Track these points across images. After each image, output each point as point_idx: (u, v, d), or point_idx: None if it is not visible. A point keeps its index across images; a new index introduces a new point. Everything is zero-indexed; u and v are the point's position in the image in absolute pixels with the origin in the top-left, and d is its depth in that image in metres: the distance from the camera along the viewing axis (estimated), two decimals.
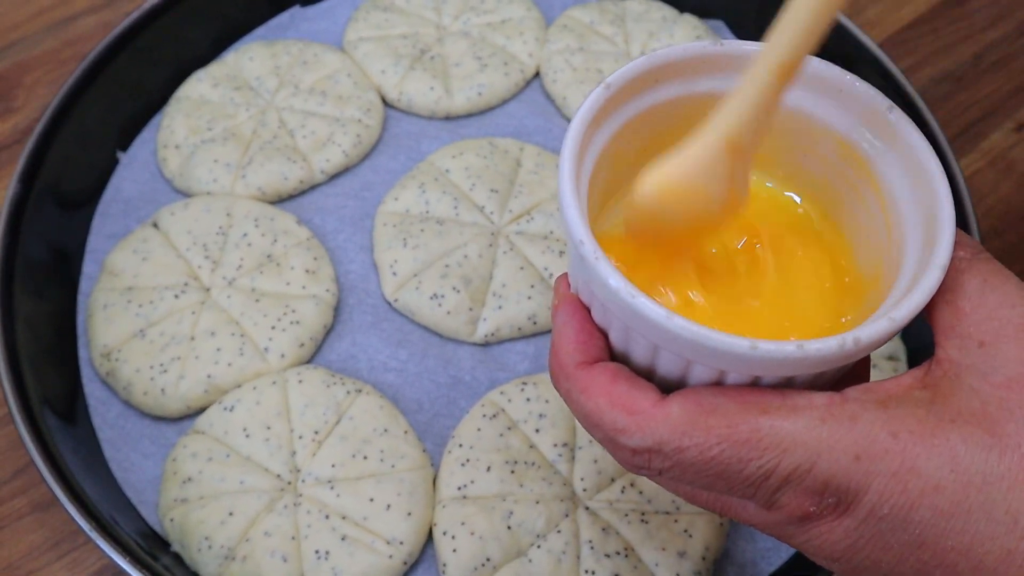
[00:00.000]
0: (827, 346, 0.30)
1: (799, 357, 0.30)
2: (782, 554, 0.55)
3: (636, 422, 0.32)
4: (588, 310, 0.37)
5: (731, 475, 0.31)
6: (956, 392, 0.31)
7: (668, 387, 0.34)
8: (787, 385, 0.33)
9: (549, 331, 0.62)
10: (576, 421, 0.56)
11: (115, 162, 0.70)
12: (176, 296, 0.61)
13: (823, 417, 0.31)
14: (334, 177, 0.69)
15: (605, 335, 0.36)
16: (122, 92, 0.70)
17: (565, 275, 0.39)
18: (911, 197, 0.35)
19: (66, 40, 0.78)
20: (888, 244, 0.36)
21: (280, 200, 0.68)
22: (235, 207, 0.65)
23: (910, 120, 0.35)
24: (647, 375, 0.35)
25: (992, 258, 0.33)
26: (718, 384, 0.33)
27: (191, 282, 0.62)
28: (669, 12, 0.78)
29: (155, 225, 0.65)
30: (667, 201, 0.32)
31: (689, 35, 0.76)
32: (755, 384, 0.33)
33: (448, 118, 0.73)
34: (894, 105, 0.35)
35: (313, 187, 0.68)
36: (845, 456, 0.30)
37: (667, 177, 0.32)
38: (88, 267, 0.65)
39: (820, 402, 0.31)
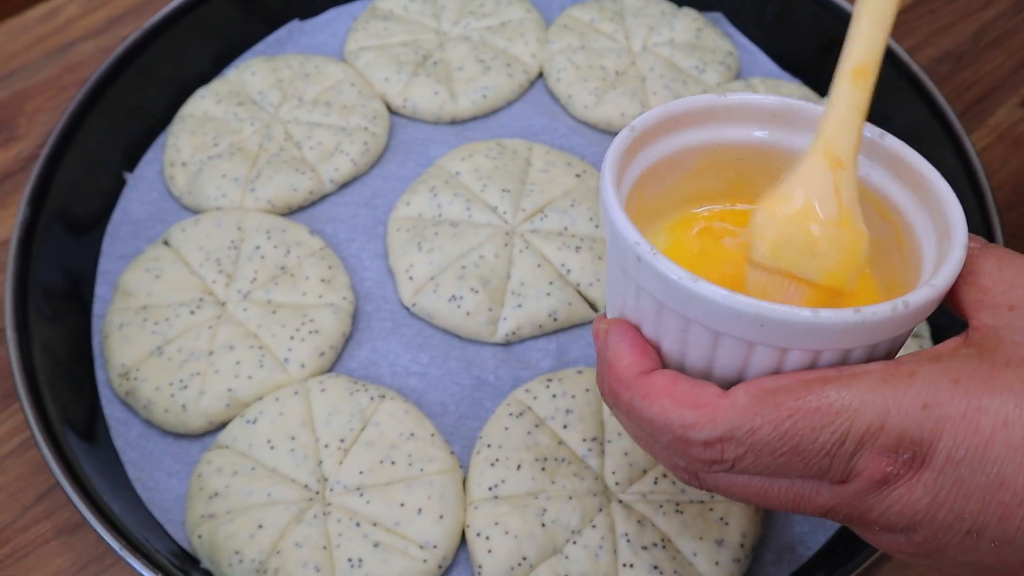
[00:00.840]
0: (881, 310, 0.32)
1: (857, 322, 0.32)
2: (819, 537, 0.54)
3: (705, 414, 0.33)
4: (637, 328, 0.37)
5: (806, 448, 0.32)
6: (1000, 346, 0.32)
7: (727, 386, 0.35)
8: (843, 362, 0.34)
9: (571, 327, 0.62)
10: (604, 415, 0.56)
11: (122, 183, 0.69)
12: (192, 312, 0.60)
13: (883, 377, 0.31)
14: (343, 187, 0.69)
15: (657, 350, 0.37)
16: (125, 113, 0.70)
17: (601, 316, 0.40)
18: (920, 214, 0.37)
19: (65, 66, 0.78)
20: (903, 262, 0.38)
21: (291, 212, 0.67)
22: (246, 220, 0.65)
23: (902, 142, 0.38)
24: (705, 378, 0.36)
25: (1000, 246, 0.35)
26: (777, 372, 0.34)
27: (206, 297, 0.61)
28: (667, 6, 0.78)
29: (166, 243, 0.64)
30: (785, 227, 0.34)
31: (689, 27, 0.76)
32: (813, 366, 0.34)
33: (454, 122, 0.72)
34: (884, 132, 0.38)
35: (323, 197, 0.68)
36: (913, 407, 0.31)
37: (780, 202, 0.35)
38: (100, 289, 0.64)
39: (877, 367, 0.32)
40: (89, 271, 0.65)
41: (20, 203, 0.62)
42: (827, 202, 0.34)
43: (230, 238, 0.64)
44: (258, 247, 0.63)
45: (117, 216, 0.68)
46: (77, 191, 0.66)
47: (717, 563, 0.51)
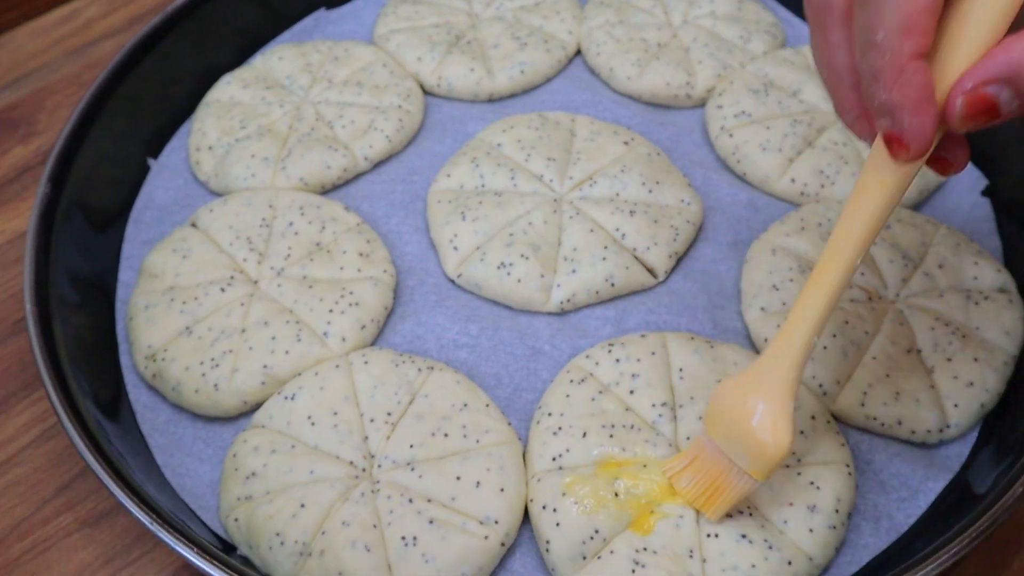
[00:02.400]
0: None
1: None
2: (919, 502, 0.49)
3: None
4: None
5: None
6: None
7: None
8: None
9: (630, 294, 0.57)
10: (673, 379, 0.51)
11: (145, 170, 0.66)
12: (222, 290, 0.56)
13: None
14: (378, 165, 0.65)
15: None
16: (146, 102, 0.67)
17: None
18: None
19: (85, 64, 0.75)
20: None
21: (324, 191, 0.63)
22: (278, 199, 0.61)
23: None
24: None
25: None
26: None
27: (237, 276, 0.57)
28: None
29: (193, 225, 0.60)
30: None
31: (729, 0, 0.73)
32: None
33: (491, 99, 0.69)
34: None
35: (358, 176, 0.64)
36: None
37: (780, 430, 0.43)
38: (125, 275, 0.60)
39: None
40: (113, 258, 0.61)
41: (38, 191, 0.58)
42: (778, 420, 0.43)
43: (261, 216, 0.60)
44: (291, 224, 0.59)
45: (141, 202, 0.64)
46: (98, 179, 0.62)
47: (811, 530, 0.46)
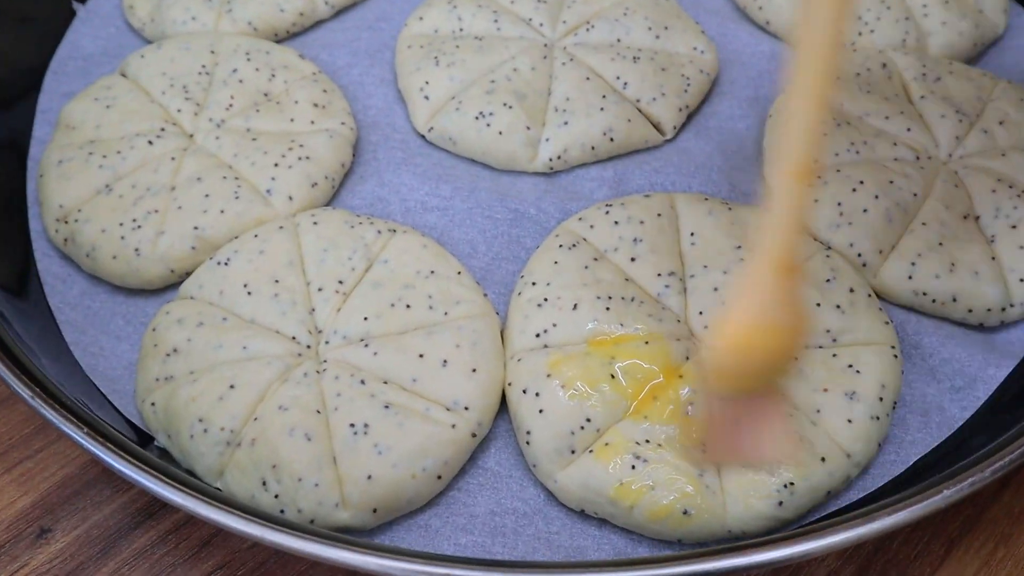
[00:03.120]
0: None
1: None
2: (977, 393, 0.41)
3: None
4: None
5: None
6: None
7: None
8: None
9: (632, 152, 0.48)
10: (683, 245, 0.42)
11: (71, 17, 0.56)
12: (150, 143, 0.47)
13: None
14: (341, 12, 0.56)
15: None
16: None
17: None
18: None
19: None
20: None
21: (277, 39, 0.55)
22: (221, 44, 0.52)
23: None
24: None
25: None
26: None
27: (169, 128, 0.48)
28: None
29: (123, 75, 0.51)
30: (744, 346, 0.30)
31: None
32: None
33: None
34: None
35: (317, 24, 0.55)
36: None
37: (737, 323, 0.30)
38: (40, 130, 0.51)
39: None
40: (28, 114, 0.52)
41: None
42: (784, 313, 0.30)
43: (201, 62, 0.51)
44: (235, 70, 0.50)
45: (64, 51, 0.55)
46: (10, 24, 0.53)
47: (850, 420, 0.38)
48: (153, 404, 0.40)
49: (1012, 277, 0.43)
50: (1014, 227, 0.44)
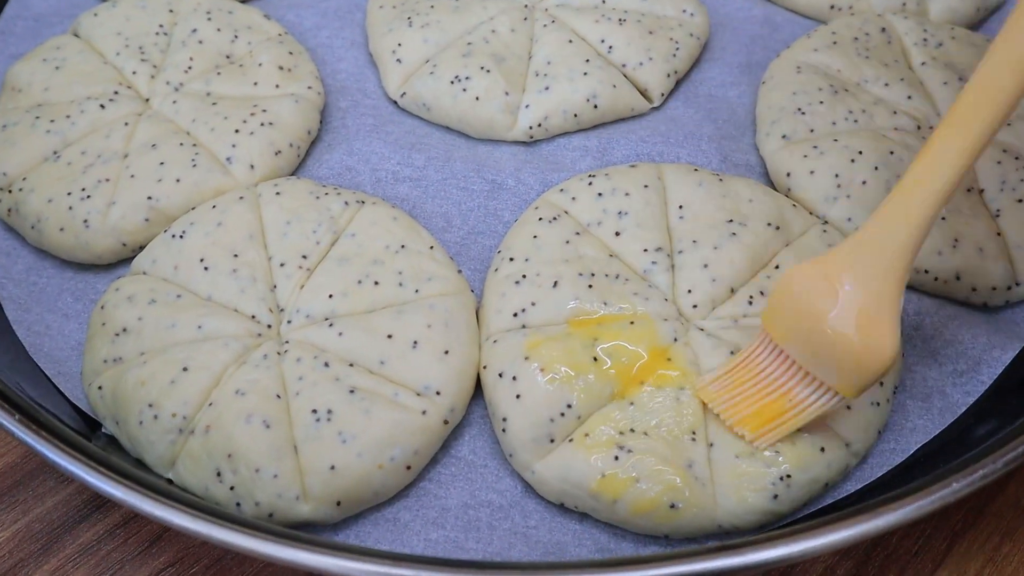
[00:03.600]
0: None
1: None
2: (982, 377, 0.39)
3: None
4: None
5: None
6: None
7: None
8: None
9: (617, 120, 0.46)
10: (671, 219, 0.40)
11: None
12: (102, 107, 0.44)
13: None
14: None
15: None
16: None
17: None
18: None
19: None
20: None
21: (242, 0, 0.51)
22: (180, 2, 0.49)
23: None
24: None
25: None
26: None
27: (123, 91, 0.45)
28: None
29: (75, 35, 0.48)
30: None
31: None
32: None
33: None
34: None
35: None
36: None
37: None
38: None
39: None
40: None
41: None
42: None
43: (158, 22, 0.48)
44: (195, 31, 0.47)
45: (12, 10, 0.52)
46: None
47: (848, 407, 0.35)
48: (100, 388, 0.37)
49: (1018, 254, 0.40)
50: (1020, 200, 0.41)
